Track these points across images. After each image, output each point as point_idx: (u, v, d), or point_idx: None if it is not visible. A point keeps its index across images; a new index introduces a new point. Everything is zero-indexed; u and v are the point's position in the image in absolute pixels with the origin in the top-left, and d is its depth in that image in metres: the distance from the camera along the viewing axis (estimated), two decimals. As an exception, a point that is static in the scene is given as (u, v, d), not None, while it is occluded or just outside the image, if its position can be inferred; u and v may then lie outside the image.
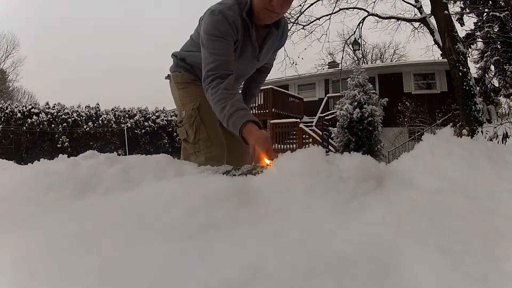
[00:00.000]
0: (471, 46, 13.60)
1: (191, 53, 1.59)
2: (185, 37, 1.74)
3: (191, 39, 1.64)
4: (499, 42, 12.20)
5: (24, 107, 18.77)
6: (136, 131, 20.47)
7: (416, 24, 10.90)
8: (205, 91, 1.40)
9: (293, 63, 11.94)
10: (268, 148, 1.25)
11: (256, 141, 1.26)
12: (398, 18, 10.70)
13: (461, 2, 12.85)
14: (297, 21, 10.92)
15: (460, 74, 7.23)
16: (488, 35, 12.33)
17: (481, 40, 13.44)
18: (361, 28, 11.03)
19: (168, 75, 1.77)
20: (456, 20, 12.08)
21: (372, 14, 10.60)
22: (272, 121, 12.01)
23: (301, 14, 10.82)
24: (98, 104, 21.41)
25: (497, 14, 11.35)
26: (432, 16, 8.34)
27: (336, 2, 10.70)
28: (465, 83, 7.18)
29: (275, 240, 0.82)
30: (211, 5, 1.45)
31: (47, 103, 19.97)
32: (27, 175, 1.46)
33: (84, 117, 19.87)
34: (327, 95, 15.43)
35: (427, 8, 8.98)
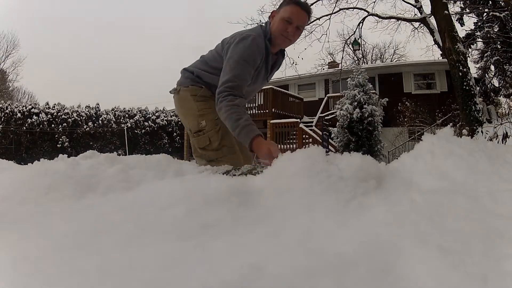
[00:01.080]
0: (471, 46, 13.58)
1: (206, 74, 1.74)
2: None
3: (204, 60, 1.79)
4: (499, 42, 12.19)
5: (24, 107, 18.76)
6: (136, 131, 20.46)
7: (416, 24, 10.88)
8: (219, 102, 1.53)
9: (293, 63, 11.92)
10: (277, 149, 1.44)
11: (269, 145, 1.46)
12: (398, 18, 10.69)
13: (461, 2, 12.84)
14: (297, 21, 10.92)
15: (460, 74, 7.22)
16: (488, 35, 12.33)
17: (481, 40, 13.43)
18: (361, 28, 11.02)
19: (174, 88, 1.86)
20: (456, 20, 12.06)
21: (372, 14, 10.59)
22: (272, 121, 12.00)
23: (301, 14, 10.82)
24: (98, 104, 21.40)
25: (497, 14, 11.34)
26: (432, 16, 8.34)
27: (336, 2, 10.69)
28: (465, 83, 7.17)
29: (275, 240, 0.82)
30: (240, 31, 1.71)
31: (47, 103, 19.96)
32: (27, 175, 1.46)
33: (84, 117, 19.86)
34: (327, 95, 15.41)
35: (427, 8, 8.98)
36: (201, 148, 1.78)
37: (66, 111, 19.51)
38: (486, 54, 13.18)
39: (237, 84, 1.53)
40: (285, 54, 1.90)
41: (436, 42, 8.40)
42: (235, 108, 1.49)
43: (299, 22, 1.62)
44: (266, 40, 1.63)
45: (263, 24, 1.71)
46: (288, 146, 11.34)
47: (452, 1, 11.99)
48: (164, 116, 21.75)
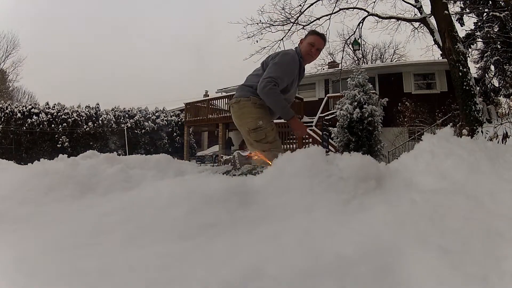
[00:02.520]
0: (471, 46, 13.56)
1: None
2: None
3: (258, 77, 2.34)
4: (499, 42, 12.17)
5: (24, 107, 18.75)
6: (136, 131, 20.46)
7: (416, 24, 10.86)
8: (267, 86, 2.17)
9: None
10: (306, 128, 2.31)
11: (301, 123, 2.35)
12: (398, 18, 10.67)
13: (461, 2, 12.83)
14: (297, 21, 10.90)
15: (460, 74, 7.22)
16: (488, 35, 12.31)
17: (481, 40, 13.41)
18: (361, 28, 10.99)
19: (235, 99, 2.42)
20: (456, 20, 12.03)
21: (372, 14, 10.56)
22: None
23: (301, 14, 10.79)
24: (98, 104, 21.39)
25: (497, 14, 11.32)
26: (432, 16, 8.33)
27: (336, 2, 10.67)
28: (465, 83, 7.16)
29: (275, 240, 0.82)
30: (283, 50, 2.50)
31: (47, 103, 19.94)
32: (27, 175, 1.46)
33: (84, 117, 19.85)
34: (327, 95, 15.38)
35: (427, 8, 8.96)
36: (257, 141, 2.30)
37: (66, 111, 19.49)
38: (486, 54, 13.15)
39: (279, 81, 2.20)
40: (305, 69, 2.61)
41: (436, 42, 8.39)
42: (281, 94, 2.23)
43: (319, 46, 2.40)
44: (299, 57, 2.36)
45: (295, 48, 2.46)
46: (288, 146, 11.34)
47: (452, 1, 11.97)
48: (164, 116, 21.75)
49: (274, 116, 2.42)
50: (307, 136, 11.34)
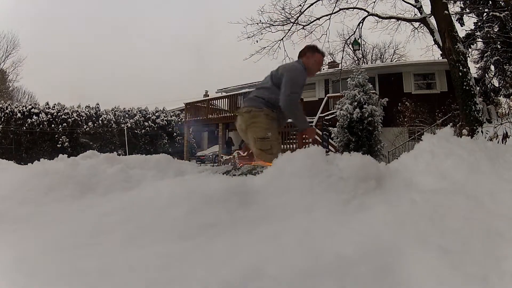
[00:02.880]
0: (471, 46, 13.55)
1: (273, 98, 2.54)
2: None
3: (269, 89, 2.56)
4: (499, 42, 12.16)
5: (24, 107, 18.75)
6: (136, 131, 20.46)
7: (416, 24, 10.84)
8: (292, 98, 2.42)
9: (294, 63, 11.82)
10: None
11: (314, 129, 2.80)
12: (398, 18, 10.65)
13: (461, 2, 12.82)
14: (297, 21, 10.90)
15: (460, 74, 7.21)
16: (488, 35, 12.30)
17: (481, 40, 13.40)
18: (361, 28, 10.97)
19: (247, 107, 2.57)
20: (456, 20, 12.01)
21: (372, 14, 10.55)
22: (272, 121, 11.90)
23: (301, 14, 10.78)
24: (98, 104, 21.43)
25: (497, 14, 11.31)
26: (432, 16, 8.32)
27: (336, 2, 10.65)
28: (465, 83, 7.16)
29: (275, 240, 0.82)
30: (290, 63, 2.81)
31: (47, 103, 19.96)
32: (27, 175, 1.46)
33: (84, 117, 19.87)
34: (327, 95, 15.38)
35: (427, 8, 8.94)
36: (262, 150, 2.42)
37: (66, 111, 19.51)
38: (486, 54, 13.14)
39: (298, 94, 2.46)
40: None
41: (436, 42, 8.38)
42: (300, 106, 2.53)
43: (322, 64, 2.73)
44: (305, 71, 2.60)
45: (297, 61, 2.70)
46: (288, 146, 11.32)
47: (452, 1, 11.96)
48: (164, 116, 21.75)
49: (280, 127, 2.63)
50: (306, 136, 11.31)
